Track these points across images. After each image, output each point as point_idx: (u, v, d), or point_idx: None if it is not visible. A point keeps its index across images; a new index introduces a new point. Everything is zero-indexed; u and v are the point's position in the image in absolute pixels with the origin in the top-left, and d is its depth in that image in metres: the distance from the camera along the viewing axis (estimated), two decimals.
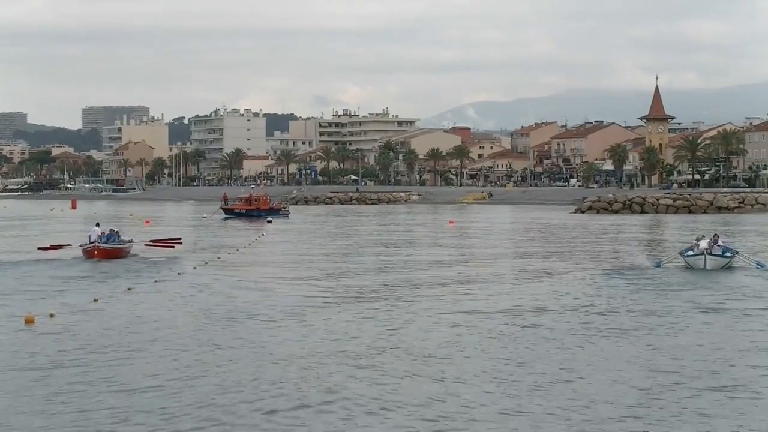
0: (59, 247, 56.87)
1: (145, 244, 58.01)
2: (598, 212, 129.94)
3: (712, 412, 20.69)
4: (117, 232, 57.00)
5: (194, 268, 49.70)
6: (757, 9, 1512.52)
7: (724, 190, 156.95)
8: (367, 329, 30.77)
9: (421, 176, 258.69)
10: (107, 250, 54.18)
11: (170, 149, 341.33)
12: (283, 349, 27.26)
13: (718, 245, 49.25)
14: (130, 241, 57.68)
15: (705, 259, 47.47)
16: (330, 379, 23.39)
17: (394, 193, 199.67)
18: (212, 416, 20.15)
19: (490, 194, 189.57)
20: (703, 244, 48.53)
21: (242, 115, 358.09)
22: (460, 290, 41.45)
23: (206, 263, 52.89)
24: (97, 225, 58.00)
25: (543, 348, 27.62)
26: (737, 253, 50.40)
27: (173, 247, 58.42)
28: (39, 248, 57.63)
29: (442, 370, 24.46)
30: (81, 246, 55.64)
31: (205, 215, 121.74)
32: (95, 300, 36.80)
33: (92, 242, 54.73)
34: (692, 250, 49.07)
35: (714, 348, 27.69)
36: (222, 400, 21.38)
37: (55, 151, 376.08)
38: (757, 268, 48.21)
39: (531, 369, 24.77)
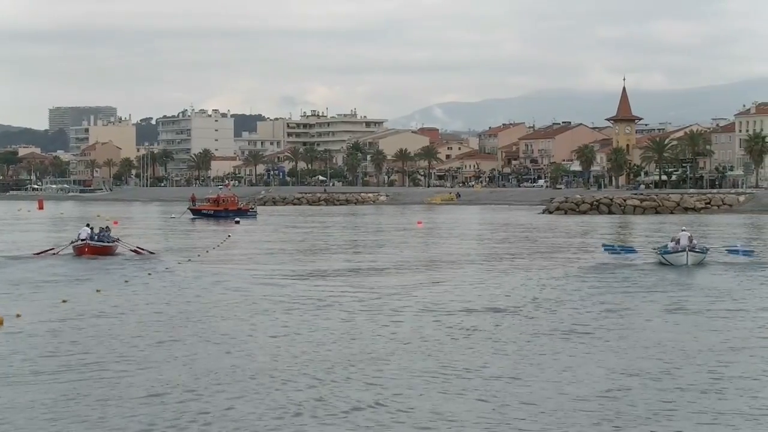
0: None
1: (130, 249, 58.92)
2: (565, 213, 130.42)
3: (677, 412, 20.80)
4: (107, 228, 60.70)
5: (166, 268, 49.83)
6: (724, 11, 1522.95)
7: (691, 190, 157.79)
8: (324, 329, 30.91)
9: (389, 177, 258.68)
10: (97, 248, 56.71)
11: (138, 150, 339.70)
12: (247, 347, 27.30)
13: (693, 243, 51.68)
14: (117, 240, 59.88)
15: (687, 255, 49.71)
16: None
17: (362, 194, 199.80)
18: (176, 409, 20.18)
19: (458, 195, 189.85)
20: (684, 240, 50.77)
21: (210, 115, 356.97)
22: (422, 289, 41.74)
23: (179, 263, 53.56)
24: (87, 225, 60.46)
25: (511, 347, 27.73)
26: (708, 249, 53.49)
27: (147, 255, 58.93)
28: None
29: (395, 368, 24.54)
30: (72, 243, 57.69)
31: (173, 215, 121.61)
32: (64, 301, 36.76)
33: (83, 240, 56.88)
34: (670, 246, 51.41)
35: (682, 348, 27.84)
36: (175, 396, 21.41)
37: (22, 151, 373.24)
38: (730, 252, 52.24)
39: (490, 369, 24.86)
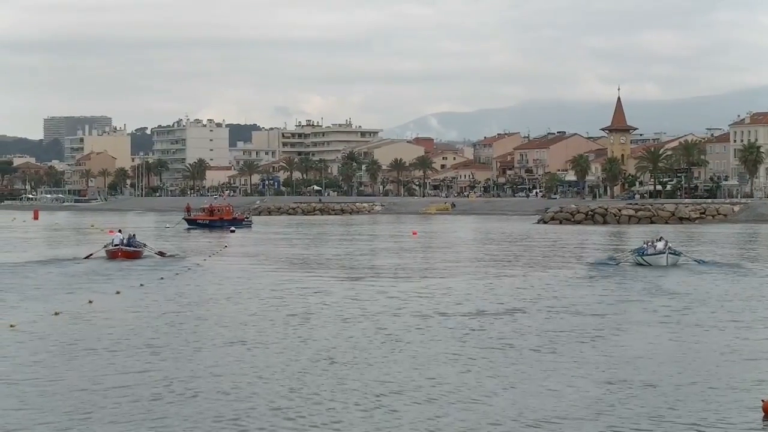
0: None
1: (155, 253, 66.23)
2: (560, 223, 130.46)
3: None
4: (134, 235, 67.68)
5: (161, 278, 50.84)
6: (713, 21, 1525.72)
7: (686, 200, 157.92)
8: (318, 333, 31.08)
9: (384, 187, 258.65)
10: (129, 252, 63.95)
11: (132, 160, 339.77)
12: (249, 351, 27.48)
13: (669, 246, 57.91)
14: (144, 246, 67.13)
15: (666, 257, 55.95)
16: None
17: (358, 204, 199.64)
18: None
19: (453, 205, 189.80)
20: (660, 245, 57.13)
21: (205, 125, 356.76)
22: (413, 294, 42.84)
23: (176, 274, 54.52)
24: (119, 231, 68.71)
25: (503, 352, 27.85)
26: (681, 253, 59.20)
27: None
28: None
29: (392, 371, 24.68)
30: (105, 248, 65.04)
31: (167, 225, 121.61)
32: (56, 313, 36.97)
33: (116, 245, 64.16)
34: (646, 249, 57.48)
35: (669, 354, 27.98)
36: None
37: (17, 161, 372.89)
38: (699, 263, 57.00)
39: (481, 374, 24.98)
